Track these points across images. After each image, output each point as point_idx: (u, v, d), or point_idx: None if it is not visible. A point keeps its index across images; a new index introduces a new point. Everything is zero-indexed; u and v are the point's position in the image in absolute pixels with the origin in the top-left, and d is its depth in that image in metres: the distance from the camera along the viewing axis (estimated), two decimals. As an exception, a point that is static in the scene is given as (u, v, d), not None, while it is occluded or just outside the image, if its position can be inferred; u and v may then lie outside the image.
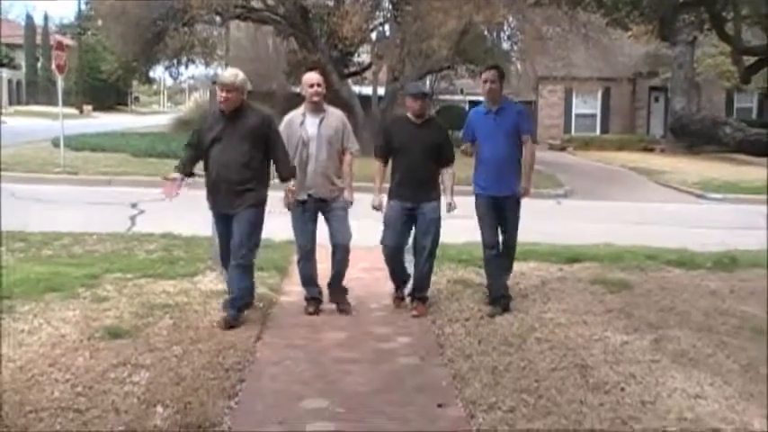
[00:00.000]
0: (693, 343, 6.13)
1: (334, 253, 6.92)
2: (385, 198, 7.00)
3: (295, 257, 7.19)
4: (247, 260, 6.38)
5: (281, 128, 6.75)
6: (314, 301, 6.93)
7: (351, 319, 6.72)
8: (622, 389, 5.09)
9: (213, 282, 7.62)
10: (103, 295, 7.02)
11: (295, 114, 6.88)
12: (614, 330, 6.44)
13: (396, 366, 5.55)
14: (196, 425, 4.40)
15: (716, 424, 4.59)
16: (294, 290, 7.28)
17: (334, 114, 6.89)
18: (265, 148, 6.37)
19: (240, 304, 6.39)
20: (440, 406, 4.83)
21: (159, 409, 4.57)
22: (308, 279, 6.96)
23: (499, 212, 7.04)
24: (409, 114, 6.94)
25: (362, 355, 5.78)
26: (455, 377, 5.29)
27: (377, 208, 6.99)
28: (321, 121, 6.75)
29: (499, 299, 6.97)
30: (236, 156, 6.22)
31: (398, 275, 7.17)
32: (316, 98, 6.73)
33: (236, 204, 6.26)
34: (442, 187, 6.99)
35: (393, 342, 5.97)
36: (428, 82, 32.27)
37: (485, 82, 7.04)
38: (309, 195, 6.74)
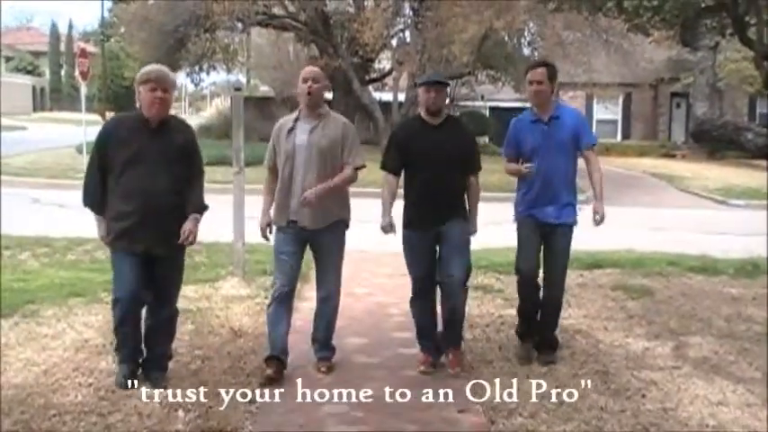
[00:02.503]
0: (715, 349, 6.09)
1: (318, 300, 5.63)
2: (389, 220, 5.53)
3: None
4: (174, 312, 5.27)
5: (272, 136, 5.54)
6: (275, 361, 5.30)
7: (372, 324, 6.72)
8: (643, 395, 5.07)
9: (234, 287, 7.67)
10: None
11: (286, 119, 5.53)
12: (635, 337, 6.41)
13: (416, 371, 5.55)
14: (217, 429, 4.43)
15: None
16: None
17: (336, 121, 5.47)
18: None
19: (166, 363, 5.25)
20: (460, 411, 4.83)
21: (181, 413, 4.60)
22: (273, 332, 5.38)
23: (545, 244, 5.70)
24: (423, 114, 5.55)
25: (383, 361, 5.79)
26: (476, 382, 5.29)
27: (387, 230, 5.51)
28: (315, 129, 5.34)
29: (547, 346, 5.82)
30: (166, 182, 4.87)
31: (428, 326, 5.65)
32: (307, 99, 5.33)
33: (166, 244, 4.93)
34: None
35: (414, 347, 5.95)
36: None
37: (530, 83, 5.59)
38: (293, 222, 5.36)
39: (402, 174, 5.59)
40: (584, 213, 5.68)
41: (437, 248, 5.50)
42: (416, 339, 5.75)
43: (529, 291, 5.76)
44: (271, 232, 5.48)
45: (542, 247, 5.73)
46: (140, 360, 5.12)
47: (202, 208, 5.11)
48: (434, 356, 5.61)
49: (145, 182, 4.81)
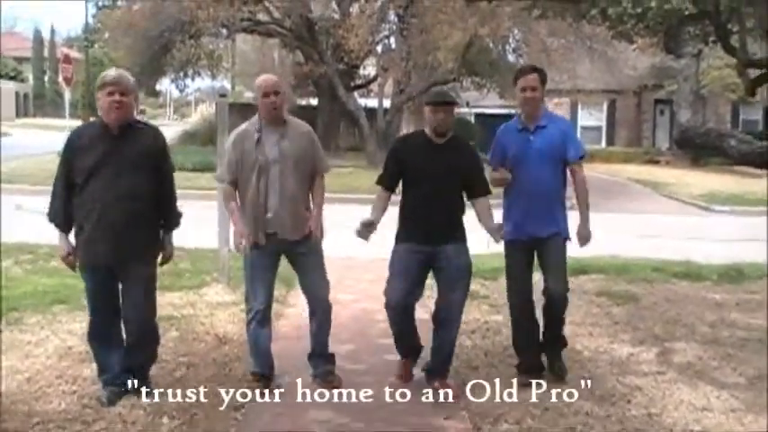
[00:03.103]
0: (700, 355, 6.12)
1: (312, 313, 5.40)
2: (374, 217, 5.15)
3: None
4: (153, 328, 5.06)
5: (228, 146, 5.31)
6: (263, 378, 5.25)
7: (357, 331, 6.71)
8: (629, 401, 5.09)
9: (219, 294, 7.66)
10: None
11: (247, 129, 5.19)
12: (620, 342, 6.44)
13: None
14: (202, 436, 4.42)
15: (722, 436, 4.59)
16: (300, 302, 7.30)
17: (300, 127, 5.29)
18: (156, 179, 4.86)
19: (148, 384, 5.00)
20: (446, 418, 4.83)
21: (165, 420, 4.58)
22: (258, 350, 5.26)
23: (539, 257, 5.41)
24: (428, 131, 5.21)
25: (369, 367, 5.78)
26: (461, 389, 5.28)
27: (363, 230, 5.09)
28: (283, 137, 5.14)
29: (535, 370, 5.48)
30: (130, 188, 4.66)
31: (407, 342, 5.45)
32: (273, 112, 5.12)
33: (129, 255, 4.75)
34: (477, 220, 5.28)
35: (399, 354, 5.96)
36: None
37: (523, 90, 5.28)
38: (270, 235, 5.13)
39: (399, 190, 5.28)
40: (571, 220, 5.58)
41: (427, 273, 5.25)
42: (394, 344, 5.50)
43: (523, 323, 5.47)
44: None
45: (536, 262, 5.45)
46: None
47: (177, 219, 5.05)
48: (414, 361, 5.48)
49: (105, 190, 4.62)
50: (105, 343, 4.90)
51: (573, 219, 5.42)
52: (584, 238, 5.38)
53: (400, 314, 5.22)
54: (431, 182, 5.08)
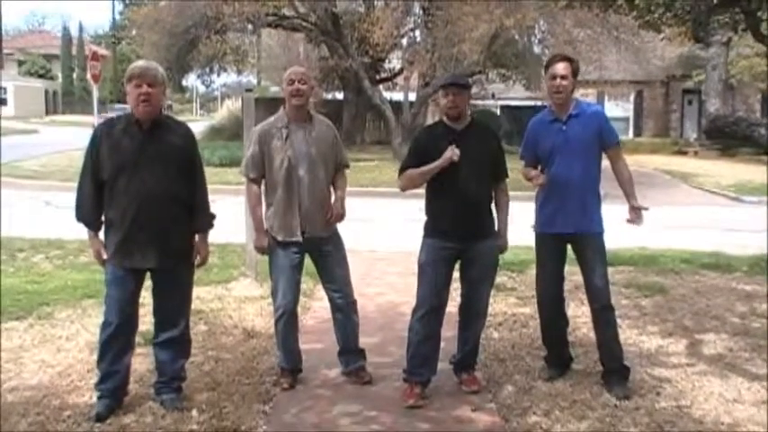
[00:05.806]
0: (730, 347, 6.07)
1: (339, 310, 5.34)
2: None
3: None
4: (187, 331, 4.86)
5: (253, 141, 5.16)
6: (292, 372, 5.26)
7: (384, 324, 6.72)
8: (658, 393, 5.06)
9: (247, 288, 7.70)
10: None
11: (273, 125, 5.12)
12: (649, 334, 6.40)
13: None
14: (231, 429, 4.44)
15: (754, 429, 4.54)
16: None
17: (324, 123, 5.23)
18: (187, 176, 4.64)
19: (179, 384, 4.85)
20: (474, 410, 4.83)
21: (195, 413, 4.61)
22: (287, 346, 5.25)
23: (576, 256, 5.25)
24: (445, 118, 5.07)
25: (396, 360, 5.77)
26: (489, 381, 5.29)
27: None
28: (311, 133, 5.10)
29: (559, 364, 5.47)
30: (163, 188, 4.46)
31: (424, 354, 5.06)
32: (296, 101, 5.02)
33: (171, 258, 4.58)
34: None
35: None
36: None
37: (553, 78, 5.06)
38: (302, 234, 5.08)
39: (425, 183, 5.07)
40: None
41: (456, 267, 5.09)
42: (406, 368, 5.10)
43: (550, 314, 5.37)
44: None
45: (574, 258, 5.28)
46: (123, 398, 4.73)
47: (210, 221, 4.79)
48: (425, 385, 5.07)
49: (140, 189, 4.40)
50: (121, 350, 4.65)
51: (604, 214, 5.31)
52: (637, 216, 5.23)
53: (430, 320, 5.01)
54: (455, 172, 4.85)
